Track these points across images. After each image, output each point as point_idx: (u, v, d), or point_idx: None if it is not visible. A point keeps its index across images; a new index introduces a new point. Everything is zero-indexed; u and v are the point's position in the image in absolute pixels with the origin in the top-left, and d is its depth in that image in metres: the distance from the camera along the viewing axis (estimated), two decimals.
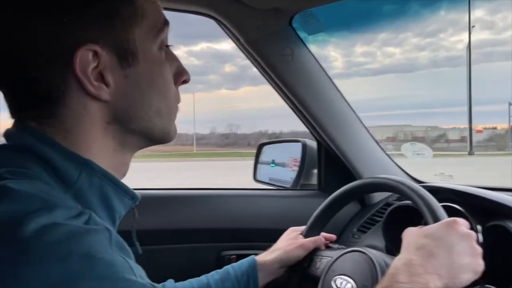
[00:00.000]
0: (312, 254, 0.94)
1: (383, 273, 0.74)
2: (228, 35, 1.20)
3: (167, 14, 0.59)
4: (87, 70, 0.50)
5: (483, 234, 0.92)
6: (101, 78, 0.51)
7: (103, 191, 0.52)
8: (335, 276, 0.84)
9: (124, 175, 0.59)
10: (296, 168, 1.47)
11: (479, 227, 0.94)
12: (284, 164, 1.57)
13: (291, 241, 0.95)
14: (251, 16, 1.11)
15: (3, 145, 0.53)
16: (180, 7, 1.09)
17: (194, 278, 0.90)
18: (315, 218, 0.98)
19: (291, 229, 1.00)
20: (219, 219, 1.30)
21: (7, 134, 0.54)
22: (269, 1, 1.04)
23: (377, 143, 1.38)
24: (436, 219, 0.74)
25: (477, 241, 0.71)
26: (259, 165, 1.64)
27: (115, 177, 0.54)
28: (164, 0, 1.07)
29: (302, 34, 1.22)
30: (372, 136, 1.37)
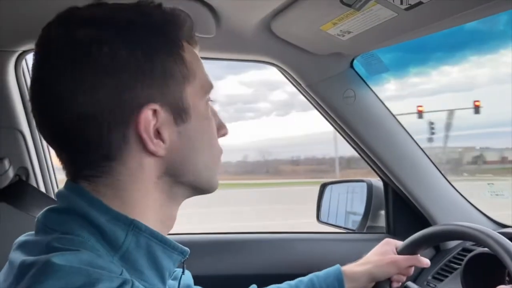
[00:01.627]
0: None
1: None
2: (288, 79, 1.21)
3: None
4: (149, 128, 0.52)
5: None
6: (158, 134, 0.53)
7: (151, 251, 0.53)
8: None
9: (171, 227, 0.60)
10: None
11: None
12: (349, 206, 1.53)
13: (383, 257, 0.93)
14: (312, 61, 1.11)
15: (55, 208, 0.55)
16: (242, 57, 1.13)
17: (276, 285, 0.92)
18: (414, 239, 0.93)
19: (386, 240, 0.98)
20: (283, 265, 1.27)
21: (59, 195, 0.55)
22: (330, 47, 1.04)
23: (450, 183, 1.30)
24: None
25: None
26: (322, 206, 1.61)
27: (162, 235, 0.54)
28: (227, 52, 1.12)
29: (364, 74, 1.21)
30: (444, 176, 1.30)
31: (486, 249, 0.97)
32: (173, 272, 0.70)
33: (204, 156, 0.58)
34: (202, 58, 1.13)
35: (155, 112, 0.52)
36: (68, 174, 0.56)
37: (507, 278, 0.99)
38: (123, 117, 0.51)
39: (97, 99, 0.50)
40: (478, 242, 0.83)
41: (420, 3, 0.76)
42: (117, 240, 0.50)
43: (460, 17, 0.82)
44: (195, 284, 0.80)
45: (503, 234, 0.80)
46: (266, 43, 1.05)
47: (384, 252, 0.94)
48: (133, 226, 0.52)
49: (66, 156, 0.55)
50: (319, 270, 1.26)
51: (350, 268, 0.92)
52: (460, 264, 1.10)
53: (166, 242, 0.54)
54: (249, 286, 1.24)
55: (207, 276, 1.20)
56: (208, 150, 0.59)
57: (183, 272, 0.63)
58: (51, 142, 0.56)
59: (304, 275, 1.26)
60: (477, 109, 13.13)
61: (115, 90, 0.51)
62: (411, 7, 0.77)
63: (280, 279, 1.27)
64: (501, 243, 0.77)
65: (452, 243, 1.24)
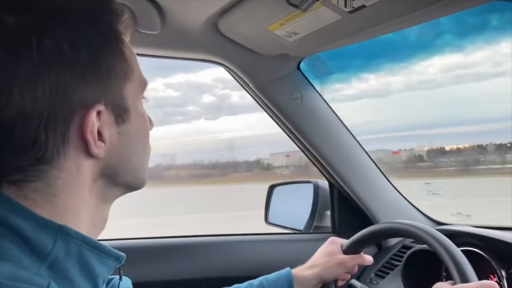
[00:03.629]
0: None
1: None
2: (237, 80, 1.20)
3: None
4: (94, 131, 0.49)
5: (507, 281, 0.89)
6: (100, 136, 0.50)
7: (83, 258, 0.48)
8: None
9: (103, 229, 0.56)
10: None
11: (503, 273, 0.90)
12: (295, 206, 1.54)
13: (331, 258, 0.94)
14: (260, 62, 1.11)
15: None
16: (188, 56, 1.10)
17: None
18: (358, 237, 0.95)
19: (331, 239, 0.99)
20: (231, 267, 1.26)
21: None
22: (277, 48, 1.04)
23: (391, 183, 1.35)
24: (464, 280, 0.71)
25: None
26: (270, 207, 1.61)
27: (95, 241, 0.50)
28: (173, 50, 1.09)
29: (311, 77, 1.23)
30: (386, 176, 1.34)
31: (424, 245, 1.01)
32: (111, 280, 0.66)
33: (140, 155, 0.57)
34: (146, 55, 1.10)
35: (99, 113, 0.49)
36: None
37: (444, 273, 1.03)
38: (64, 117, 0.47)
39: (34, 97, 0.45)
40: (418, 239, 0.86)
41: (363, 6, 0.78)
42: (44, 248, 0.46)
43: (402, 21, 0.85)
44: None
45: (440, 231, 0.84)
46: (213, 42, 1.04)
47: (331, 252, 0.95)
48: (62, 233, 0.47)
49: None
50: (267, 271, 1.27)
51: (299, 271, 0.93)
52: (400, 261, 1.14)
53: (100, 248, 0.50)
54: None
55: (150, 283, 1.17)
56: (143, 148, 0.57)
57: (120, 279, 0.59)
58: None
59: (252, 277, 1.25)
60: None
61: (57, 88, 0.46)
62: (355, 10, 0.79)
63: (228, 282, 1.25)
64: (438, 239, 0.80)
65: (393, 241, 1.29)
